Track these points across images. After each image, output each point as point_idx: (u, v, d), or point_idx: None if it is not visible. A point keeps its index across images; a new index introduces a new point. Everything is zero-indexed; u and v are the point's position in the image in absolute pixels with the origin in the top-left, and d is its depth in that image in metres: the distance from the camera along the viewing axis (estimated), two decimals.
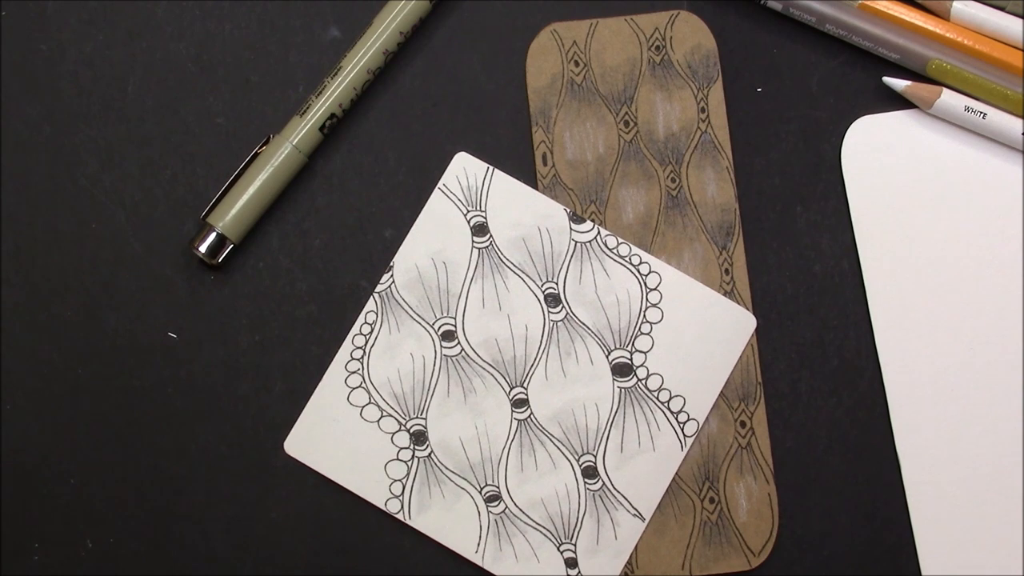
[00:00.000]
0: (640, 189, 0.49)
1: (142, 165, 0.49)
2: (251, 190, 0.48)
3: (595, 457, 0.47)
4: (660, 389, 0.47)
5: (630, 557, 0.47)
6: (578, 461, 0.47)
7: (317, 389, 0.48)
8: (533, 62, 0.49)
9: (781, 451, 0.48)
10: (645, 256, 0.48)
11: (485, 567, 0.47)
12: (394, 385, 0.48)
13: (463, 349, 0.48)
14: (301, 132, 0.48)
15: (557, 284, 0.48)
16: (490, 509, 0.47)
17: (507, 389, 0.48)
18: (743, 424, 0.48)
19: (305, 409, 0.48)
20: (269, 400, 0.48)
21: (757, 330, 0.48)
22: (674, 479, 0.47)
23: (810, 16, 0.49)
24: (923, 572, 0.47)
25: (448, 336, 0.48)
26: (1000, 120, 0.48)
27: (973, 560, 0.47)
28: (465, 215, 0.48)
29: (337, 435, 0.48)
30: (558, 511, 0.47)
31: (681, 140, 0.49)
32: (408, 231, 0.49)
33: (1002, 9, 0.49)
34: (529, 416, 0.47)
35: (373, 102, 0.50)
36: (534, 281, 0.48)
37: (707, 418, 0.48)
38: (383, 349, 0.48)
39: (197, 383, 0.48)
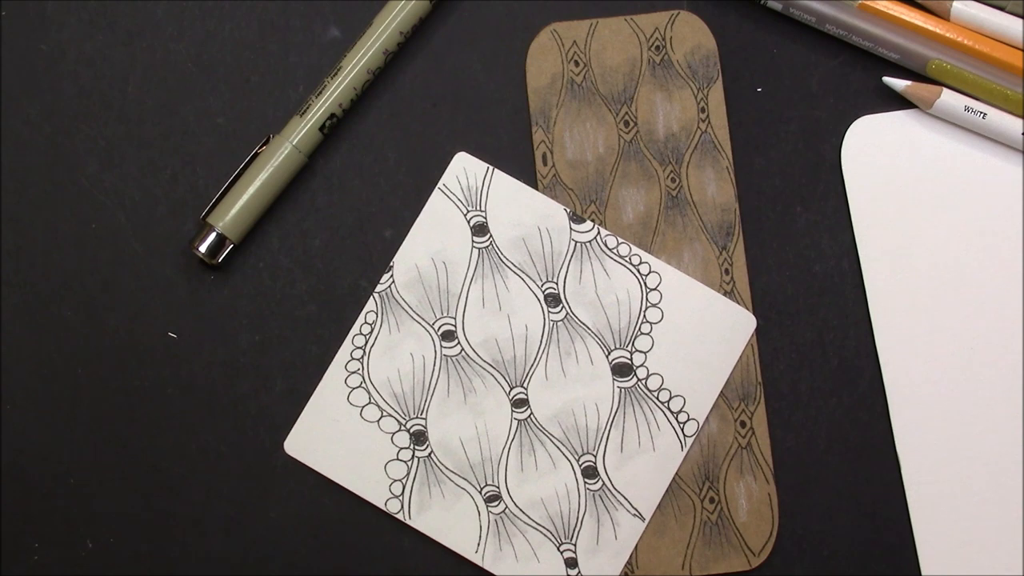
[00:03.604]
0: (640, 189, 0.49)
1: (142, 165, 0.49)
2: (251, 190, 0.48)
3: (595, 457, 0.47)
4: (660, 389, 0.47)
5: (630, 557, 0.47)
6: (578, 461, 0.47)
7: (317, 389, 0.48)
8: (533, 62, 0.49)
9: (781, 451, 0.48)
10: (645, 256, 0.48)
11: (485, 567, 0.47)
12: (394, 385, 0.48)
13: (463, 349, 0.48)
14: (301, 132, 0.48)
15: (557, 284, 0.48)
16: (490, 509, 0.47)
17: (507, 389, 0.48)
18: (743, 424, 0.48)
19: (305, 409, 0.48)
20: (269, 400, 0.48)
21: (757, 330, 0.48)
22: (674, 479, 0.47)
23: (810, 16, 0.49)
24: (923, 572, 0.47)
25: (448, 336, 0.48)
26: (1000, 120, 0.48)
27: (973, 560, 0.47)
28: (465, 215, 0.48)
29: (337, 435, 0.48)
30: (558, 511, 0.47)
31: (681, 140, 0.49)
32: (408, 231, 0.49)
33: (1002, 9, 0.49)
34: (529, 416, 0.47)
35: (373, 102, 0.50)
36: (534, 281, 0.48)
37: (707, 418, 0.48)
38: (383, 349, 0.48)
39: (197, 383, 0.48)
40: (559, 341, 0.48)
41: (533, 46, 0.49)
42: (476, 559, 0.47)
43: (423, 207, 0.49)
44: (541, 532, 0.47)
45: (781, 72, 0.50)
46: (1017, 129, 0.48)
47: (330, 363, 0.48)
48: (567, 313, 0.48)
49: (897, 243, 0.49)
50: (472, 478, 0.47)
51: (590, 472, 0.47)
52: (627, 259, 0.48)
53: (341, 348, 0.48)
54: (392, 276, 0.48)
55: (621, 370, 0.48)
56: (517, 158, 0.49)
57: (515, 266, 0.48)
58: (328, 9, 0.50)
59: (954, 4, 0.48)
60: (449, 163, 0.49)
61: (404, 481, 0.47)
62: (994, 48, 0.48)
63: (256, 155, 0.49)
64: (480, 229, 0.48)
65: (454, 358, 0.48)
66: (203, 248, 0.48)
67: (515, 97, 0.50)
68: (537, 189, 0.49)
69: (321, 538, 0.48)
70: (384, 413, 0.48)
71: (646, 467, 0.47)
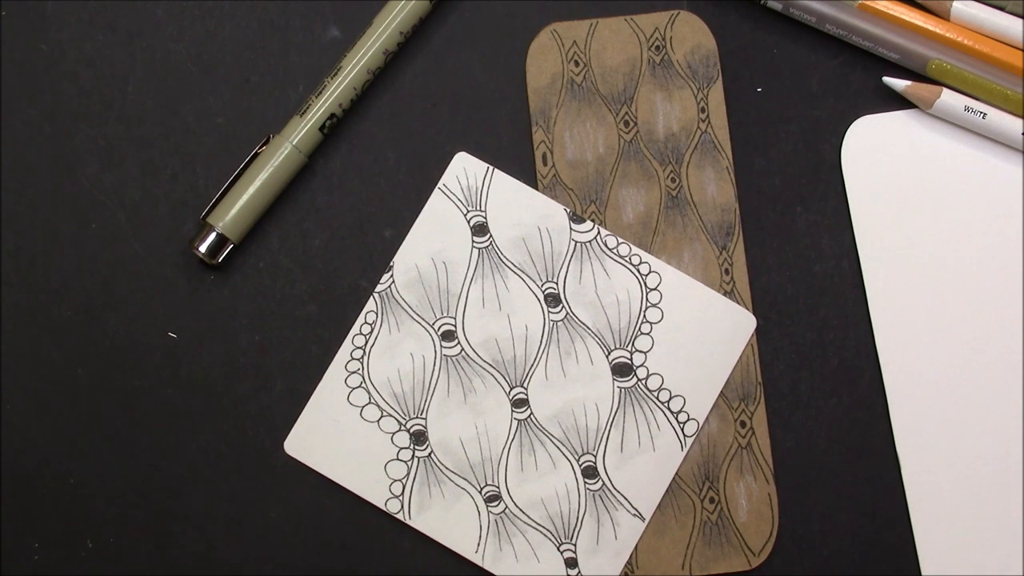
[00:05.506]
0: (640, 189, 0.49)
1: (142, 165, 0.49)
2: (251, 190, 0.48)
3: (595, 457, 0.47)
4: (660, 389, 0.47)
5: (630, 557, 0.47)
6: (578, 461, 0.47)
7: (317, 389, 0.48)
8: (533, 62, 0.49)
9: (781, 451, 0.48)
10: (645, 256, 0.48)
11: (485, 567, 0.47)
12: (394, 385, 0.48)
13: (463, 349, 0.48)
14: (301, 132, 0.48)
15: (557, 284, 0.48)
16: (490, 509, 0.47)
17: (507, 389, 0.48)
18: (743, 424, 0.48)
19: (305, 409, 0.48)
20: (269, 400, 0.48)
21: (757, 330, 0.48)
22: (674, 479, 0.47)
23: (810, 16, 0.49)
24: (923, 572, 0.47)
25: (448, 336, 0.48)
26: (1000, 120, 0.48)
27: (973, 560, 0.47)
28: (465, 215, 0.48)
29: (337, 435, 0.48)
30: (558, 511, 0.47)
31: (681, 140, 0.49)
32: (408, 231, 0.49)
33: (1002, 9, 0.49)
34: (529, 416, 0.47)
35: (373, 102, 0.50)
36: (534, 281, 0.48)
37: (707, 418, 0.48)
38: (383, 349, 0.48)
39: (197, 383, 0.48)
40: (559, 341, 0.48)
41: (533, 46, 0.49)
42: (476, 559, 0.47)
43: (423, 207, 0.49)
44: (541, 532, 0.47)
45: (781, 72, 0.50)
46: (1017, 129, 0.48)
47: (330, 363, 0.48)
48: (567, 313, 0.48)
49: (897, 243, 0.49)
50: (472, 478, 0.47)
51: (590, 472, 0.47)
52: (627, 259, 0.48)
53: (341, 348, 0.48)
54: (392, 276, 0.48)
55: (621, 370, 0.48)
56: (517, 158, 0.49)
57: (515, 266, 0.48)
58: (328, 9, 0.50)
59: (954, 4, 0.48)
60: (449, 163, 0.49)
61: (404, 481, 0.47)
62: (994, 48, 0.48)
63: (256, 155, 0.49)
64: (480, 229, 0.48)
65: (454, 358, 0.48)
66: (203, 248, 0.48)
67: (515, 97, 0.50)
68: (537, 189, 0.49)
69: (321, 538, 0.48)
70: (384, 413, 0.48)
71: (646, 467, 0.47)
